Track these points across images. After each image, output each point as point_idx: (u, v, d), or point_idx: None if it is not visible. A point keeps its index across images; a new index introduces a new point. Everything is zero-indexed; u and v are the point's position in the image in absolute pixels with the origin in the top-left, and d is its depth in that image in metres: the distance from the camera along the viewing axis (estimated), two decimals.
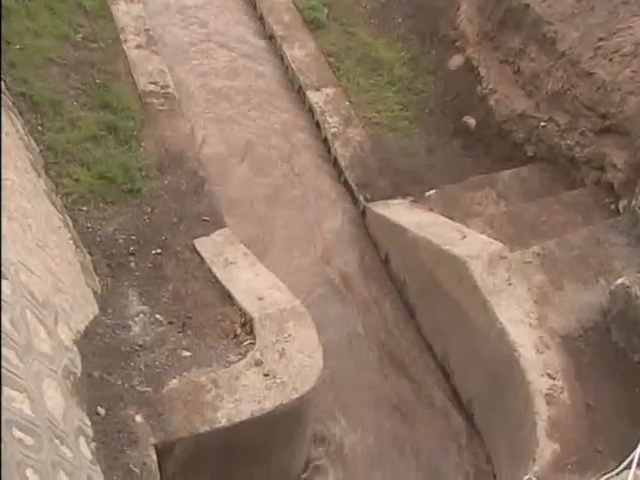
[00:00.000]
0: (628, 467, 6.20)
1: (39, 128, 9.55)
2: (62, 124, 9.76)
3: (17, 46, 10.37)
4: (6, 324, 4.85)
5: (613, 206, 9.73)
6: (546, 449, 7.22)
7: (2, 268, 5.16)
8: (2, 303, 4.92)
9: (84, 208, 8.99)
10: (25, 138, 8.79)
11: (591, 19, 10.30)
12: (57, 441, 5.08)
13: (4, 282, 5.15)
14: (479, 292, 8.36)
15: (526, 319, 8.14)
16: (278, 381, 7.12)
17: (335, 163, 11.34)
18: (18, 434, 4.36)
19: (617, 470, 6.50)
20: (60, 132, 9.63)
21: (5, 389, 4.43)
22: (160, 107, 10.73)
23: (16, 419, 4.41)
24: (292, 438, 7.74)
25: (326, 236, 10.70)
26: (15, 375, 4.66)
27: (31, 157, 8.49)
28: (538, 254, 8.74)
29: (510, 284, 8.40)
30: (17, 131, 8.60)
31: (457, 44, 12.54)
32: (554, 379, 7.73)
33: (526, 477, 6.57)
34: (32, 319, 5.53)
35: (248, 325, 7.74)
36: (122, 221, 9.03)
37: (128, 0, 12.52)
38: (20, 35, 10.58)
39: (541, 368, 7.77)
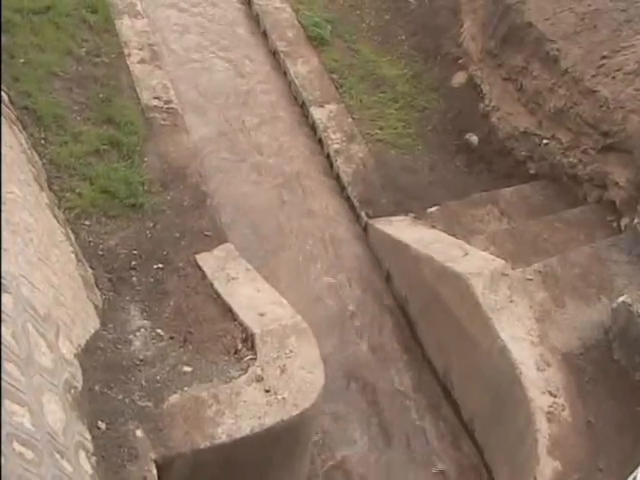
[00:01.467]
0: None
1: (42, 142, 9.56)
2: (65, 138, 9.77)
3: (21, 60, 10.39)
4: (8, 337, 4.84)
5: (615, 224, 9.74)
6: (547, 466, 7.21)
7: (3, 281, 5.16)
8: (3, 316, 4.92)
9: (86, 222, 8.98)
10: (28, 152, 8.80)
11: (594, 37, 10.32)
12: (57, 455, 5.07)
13: (6, 296, 5.15)
14: (480, 309, 8.36)
15: (527, 336, 8.13)
16: (279, 397, 7.10)
17: (338, 179, 11.34)
18: (19, 448, 4.35)
19: None
20: (63, 146, 9.64)
21: (6, 402, 4.42)
22: (163, 122, 10.72)
23: (17, 433, 4.40)
24: (292, 454, 7.72)
25: (328, 250, 10.69)
26: (16, 389, 4.65)
27: (34, 171, 8.49)
28: (540, 271, 8.74)
29: (512, 301, 8.40)
30: (20, 144, 8.61)
31: (460, 61, 12.57)
32: (555, 397, 7.73)
33: None
34: (33, 333, 5.53)
35: (249, 341, 7.72)
36: (124, 236, 9.02)
37: (132, 15, 12.53)
38: (24, 49, 10.59)
39: (542, 386, 7.77)
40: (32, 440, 4.61)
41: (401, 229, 10.19)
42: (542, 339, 8.15)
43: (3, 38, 10.23)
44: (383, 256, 10.56)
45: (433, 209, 10.43)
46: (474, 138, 11.74)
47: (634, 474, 5.72)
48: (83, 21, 11.81)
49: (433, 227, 10.11)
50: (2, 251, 5.37)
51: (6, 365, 4.65)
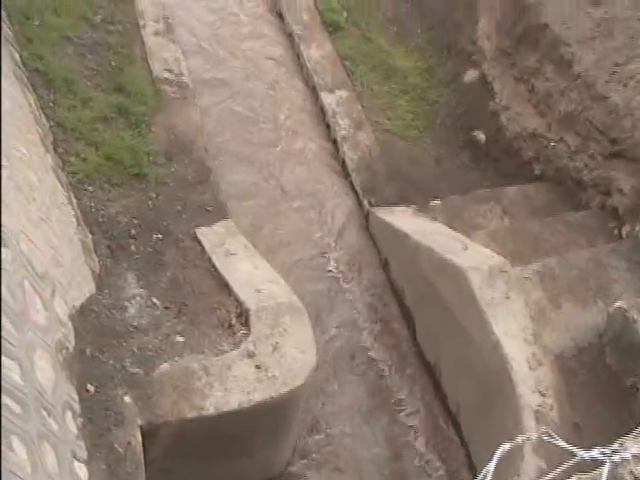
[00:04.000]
0: None
1: (51, 105, 9.55)
2: (74, 103, 9.76)
3: (36, 22, 10.37)
4: (4, 291, 4.84)
5: (616, 231, 9.72)
6: (531, 464, 7.21)
7: (2, 235, 5.16)
8: (2, 271, 4.92)
9: (89, 188, 8.99)
10: (36, 113, 8.80)
11: (609, 43, 10.29)
12: (44, 412, 5.08)
13: (5, 250, 5.14)
14: (476, 303, 8.34)
15: (521, 334, 8.12)
16: (269, 374, 7.11)
17: (343, 165, 11.34)
18: (6, 401, 4.35)
19: None
20: (71, 110, 9.63)
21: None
22: (173, 95, 10.72)
23: (6, 386, 4.40)
24: (278, 431, 7.74)
25: (327, 233, 10.73)
26: (8, 343, 4.65)
27: (41, 132, 8.49)
28: (538, 271, 8.72)
29: (508, 298, 8.38)
30: (29, 105, 8.60)
31: (473, 58, 12.51)
32: (544, 396, 7.73)
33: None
34: (30, 290, 5.53)
35: (244, 316, 7.74)
36: (126, 204, 9.03)
37: None
38: (40, 12, 10.57)
39: (532, 384, 7.76)
40: (20, 395, 4.62)
41: (402, 219, 10.19)
42: (536, 338, 8.14)
43: None
44: (383, 244, 10.58)
45: (436, 202, 10.43)
46: (482, 136, 11.72)
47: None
48: None
49: (435, 220, 10.10)
50: (3, 206, 5.36)
51: (1, 319, 4.65)
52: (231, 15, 13.60)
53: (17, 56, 9.34)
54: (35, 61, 9.79)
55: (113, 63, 10.72)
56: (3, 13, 9.43)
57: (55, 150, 8.98)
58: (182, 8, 13.21)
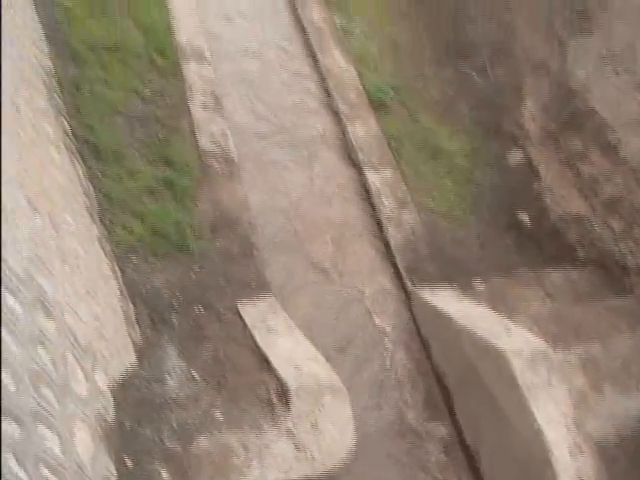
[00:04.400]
0: None
1: (98, 175, 9.72)
2: (121, 174, 9.92)
3: (87, 93, 10.60)
4: (47, 363, 4.88)
5: None
6: None
7: (45, 303, 5.20)
8: (46, 342, 4.96)
9: (133, 259, 9.08)
10: (84, 183, 8.93)
11: None
12: None
13: (49, 321, 5.19)
14: (518, 388, 8.25)
15: (563, 420, 8.01)
16: (308, 454, 7.07)
17: (386, 244, 11.33)
18: (45, 472, 4.35)
19: None
20: (118, 182, 9.78)
21: (39, 427, 4.44)
22: (219, 169, 10.83)
23: (45, 457, 4.41)
24: None
25: (370, 309, 10.69)
26: (50, 414, 4.67)
27: (88, 202, 8.61)
28: (581, 356, 8.63)
29: (550, 384, 8.29)
30: (78, 175, 8.73)
31: (519, 140, 12.55)
32: None
33: None
34: (72, 361, 5.56)
35: (283, 394, 7.71)
36: (169, 276, 9.10)
37: (198, 61, 12.70)
38: (91, 83, 10.83)
39: (574, 472, 7.64)
40: (60, 468, 4.62)
41: (445, 301, 10.13)
42: (577, 425, 8.02)
43: (71, 70, 10.47)
44: (424, 324, 10.50)
45: (479, 283, 10.39)
46: (525, 218, 11.69)
47: None
48: (151, 62, 12.02)
49: (477, 301, 10.05)
50: (49, 275, 5.41)
51: (43, 390, 4.67)
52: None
53: (67, 126, 9.51)
54: (85, 131, 10.00)
55: (161, 135, 10.88)
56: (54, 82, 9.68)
57: (101, 220, 9.09)
58: (230, 83, 13.36)
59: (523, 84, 12.96)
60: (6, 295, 4.75)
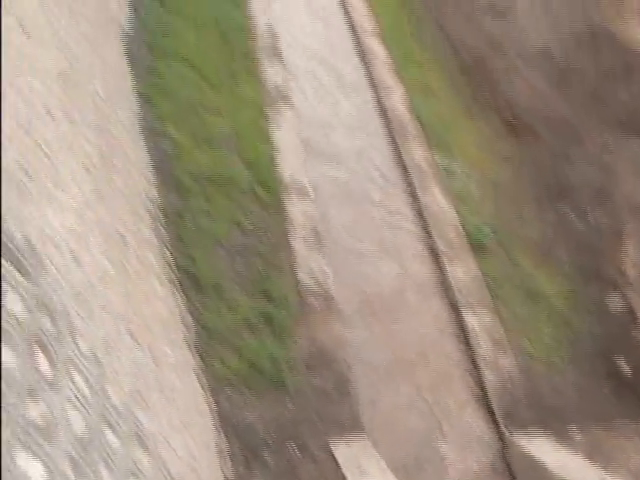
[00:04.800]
0: None
1: (197, 306, 9.85)
2: (220, 306, 10.04)
3: (189, 223, 10.84)
4: None
5: None
6: None
7: (142, 436, 5.28)
8: (140, 476, 5.02)
9: (228, 392, 9.14)
10: (183, 314, 9.09)
11: None
12: None
13: (144, 454, 5.26)
14: None
15: None
16: None
17: (482, 388, 11.24)
18: None
19: None
20: (217, 314, 9.91)
21: None
22: (317, 306, 10.91)
23: None
24: None
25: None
26: None
27: (186, 333, 8.75)
28: None
29: None
30: (177, 306, 8.91)
31: (619, 285, 12.46)
32: None
33: None
34: None
35: None
36: (263, 412, 9.13)
37: (300, 196, 12.93)
38: (194, 214, 11.07)
39: None
40: None
41: (542, 450, 9.94)
42: None
43: (175, 200, 10.78)
44: (520, 472, 10.31)
45: (576, 432, 10.21)
46: (625, 366, 11.52)
47: None
48: (254, 195, 12.23)
49: (574, 451, 9.87)
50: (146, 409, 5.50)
51: None
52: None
53: (169, 256, 9.74)
54: (186, 262, 10.19)
55: (261, 269, 11.02)
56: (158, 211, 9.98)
57: (198, 352, 9.22)
58: (330, 217, 13.54)
59: (623, 228, 12.92)
60: (104, 429, 4.83)
